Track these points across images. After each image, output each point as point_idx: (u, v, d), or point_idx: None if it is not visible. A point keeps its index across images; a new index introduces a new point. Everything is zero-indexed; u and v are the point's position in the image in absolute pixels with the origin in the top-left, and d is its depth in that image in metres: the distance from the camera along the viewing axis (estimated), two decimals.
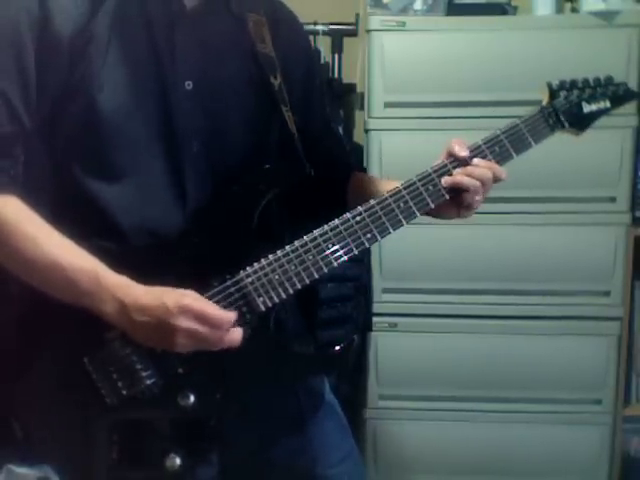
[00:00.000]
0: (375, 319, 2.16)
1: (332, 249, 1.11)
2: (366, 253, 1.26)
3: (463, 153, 1.15)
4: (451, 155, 1.15)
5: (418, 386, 2.23)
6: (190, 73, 1.14)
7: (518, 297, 2.18)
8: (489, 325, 2.19)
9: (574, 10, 2.19)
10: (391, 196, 1.13)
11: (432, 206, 1.14)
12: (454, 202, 1.16)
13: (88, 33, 1.07)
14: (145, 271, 1.06)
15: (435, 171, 1.15)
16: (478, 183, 1.13)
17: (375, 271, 2.15)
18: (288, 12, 1.32)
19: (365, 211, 1.12)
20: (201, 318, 1.03)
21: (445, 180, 1.14)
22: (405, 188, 1.14)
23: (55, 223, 1.07)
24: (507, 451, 2.24)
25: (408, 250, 2.13)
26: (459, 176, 1.14)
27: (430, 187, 1.14)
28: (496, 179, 1.15)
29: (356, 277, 1.21)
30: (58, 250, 1.05)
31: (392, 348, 2.23)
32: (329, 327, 1.22)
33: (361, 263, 1.22)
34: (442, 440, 2.26)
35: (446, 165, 1.15)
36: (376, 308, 2.16)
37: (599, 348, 2.18)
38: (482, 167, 1.14)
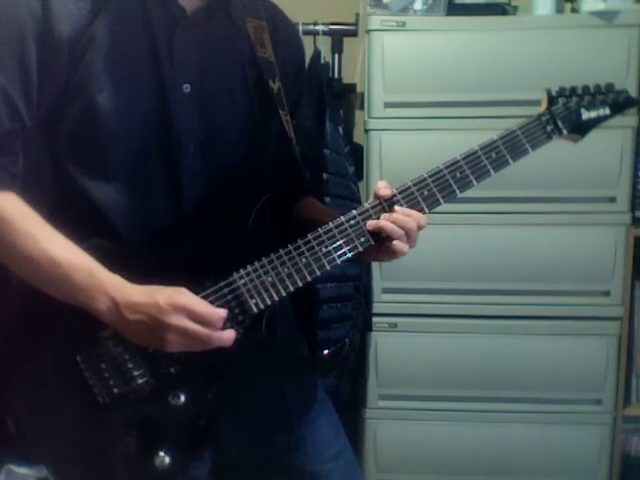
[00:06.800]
0: (375, 319, 2.17)
1: (325, 251, 1.11)
2: None
3: (387, 192, 1.13)
4: (377, 197, 1.13)
5: (418, 386, 2.23)
6: (188, 76, 1.15)
7: (518, 297, 2.18)
8: (489, 325, 2.19)
9: (574, 10, 2.19)
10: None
11: (361, 249, 1.12)
12: (380, 247, 1.14)
13: (89, 34, 1.08)
14: (140, 270, 1.07)
15: (360, 214, 1.13)
16: (401, 231, 1.12)
17: (375, 271, 2.15)
18: (286, 18, 1.34)
19: (359, 214, 1.13)
20: (193, 315, 1.04)
21: (369, 224, 1.13)
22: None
23: (53, 221, 1.08)
24: (507, 451, 2.24)
25: None
26: (383, 221, 1.12)
27: (357, 230, 1.12)
28: (420, 227, 1.13)
29: (356, 277, 1.21)
30: (54, 247, 1.06)
31: (392, 348, 2.22)
32: (329, 327, 1.22)
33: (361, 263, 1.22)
34: (442, 440, 2.26)
35: (368, 210, 1.13)
36: (376, 308, 2.17)
37: (599, 348, 2.18)
38: (404, 214, 1.12)
